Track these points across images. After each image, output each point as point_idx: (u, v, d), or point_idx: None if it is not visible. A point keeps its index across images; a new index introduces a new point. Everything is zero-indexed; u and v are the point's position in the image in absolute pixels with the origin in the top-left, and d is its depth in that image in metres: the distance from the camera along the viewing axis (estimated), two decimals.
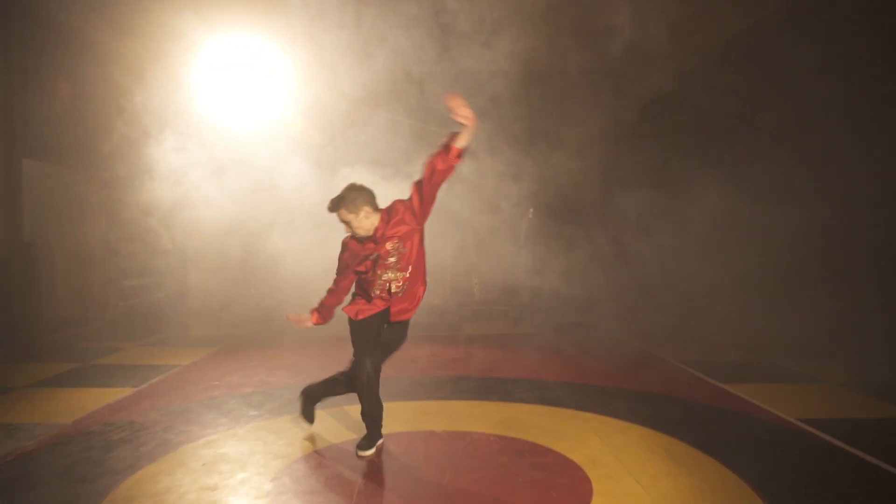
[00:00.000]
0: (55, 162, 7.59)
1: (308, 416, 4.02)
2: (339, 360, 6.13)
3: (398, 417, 4.29)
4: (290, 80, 8.10)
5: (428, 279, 3.83)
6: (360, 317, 3.62)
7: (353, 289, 3.82)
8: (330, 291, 3.81)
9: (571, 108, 8.54)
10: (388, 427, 3.90)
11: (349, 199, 3.53)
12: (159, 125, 7.52)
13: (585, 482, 3.22)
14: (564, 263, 7.75)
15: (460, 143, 3.37)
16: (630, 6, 6.15)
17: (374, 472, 3.42)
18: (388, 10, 6.29)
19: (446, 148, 3.41)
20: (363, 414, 3.69)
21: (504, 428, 4.10)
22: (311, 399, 4.01)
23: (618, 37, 6.26)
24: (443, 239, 9.34)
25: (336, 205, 3.56)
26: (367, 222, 3.55)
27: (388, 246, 3.57)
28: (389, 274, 3.58)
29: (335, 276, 3.80)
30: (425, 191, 3.52)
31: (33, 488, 3.16)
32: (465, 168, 8.11)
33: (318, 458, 3.64)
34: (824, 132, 6.16)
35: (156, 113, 7.76)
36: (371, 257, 3.60)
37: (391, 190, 8.47)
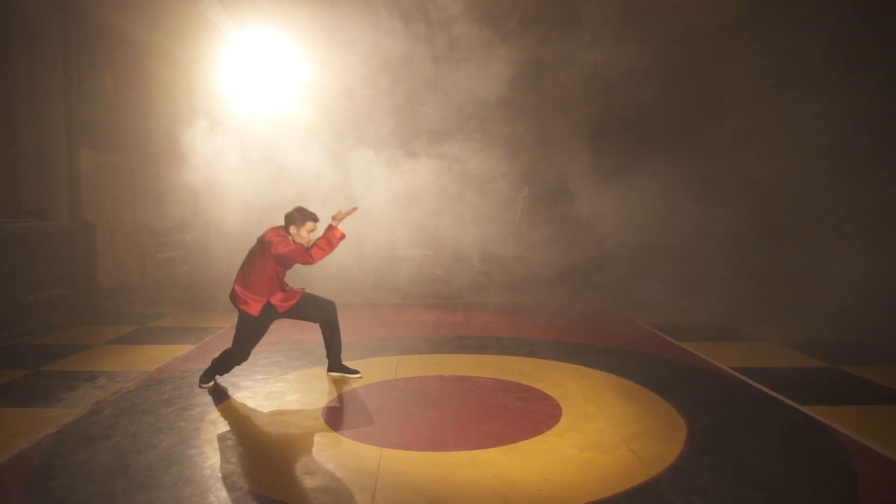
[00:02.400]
0: (106, 150, 8.58)
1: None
2: (363, 321, 7.34)
3: (412, 366, 5.41)
4: (305, 71, 9.08)
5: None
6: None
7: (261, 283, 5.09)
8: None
9: (553, 118, 10.16)
10: (405, 372, 5.03)
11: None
12: (191, 114, 8.47)
13: (558, 408, 4.34)
14: (545, 239, 9.05)
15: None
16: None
17: (401, 402, 4.53)
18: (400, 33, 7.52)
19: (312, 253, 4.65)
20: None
21: (498, 373, 5.22)
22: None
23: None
24: (446, 216, 10.44)
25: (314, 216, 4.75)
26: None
27: None
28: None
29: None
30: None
31: (149, 413, 4.26)
32: (471, 158, 9.44)
33: (353, 394, 4.75)
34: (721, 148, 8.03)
35: (188, 102, 8.73)
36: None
37: (390, 172, 9.47)
